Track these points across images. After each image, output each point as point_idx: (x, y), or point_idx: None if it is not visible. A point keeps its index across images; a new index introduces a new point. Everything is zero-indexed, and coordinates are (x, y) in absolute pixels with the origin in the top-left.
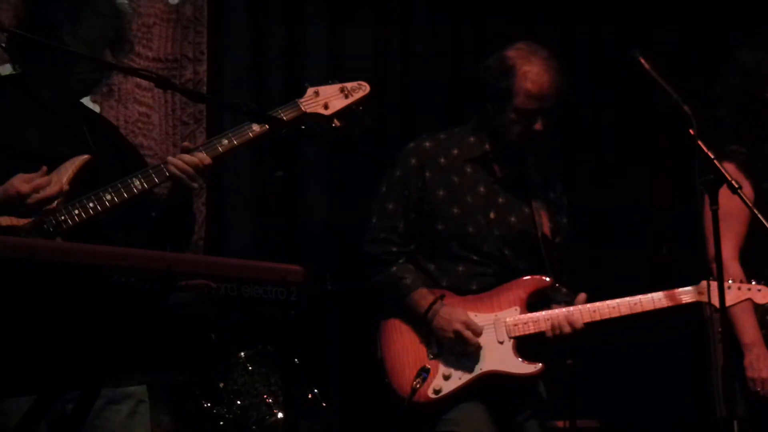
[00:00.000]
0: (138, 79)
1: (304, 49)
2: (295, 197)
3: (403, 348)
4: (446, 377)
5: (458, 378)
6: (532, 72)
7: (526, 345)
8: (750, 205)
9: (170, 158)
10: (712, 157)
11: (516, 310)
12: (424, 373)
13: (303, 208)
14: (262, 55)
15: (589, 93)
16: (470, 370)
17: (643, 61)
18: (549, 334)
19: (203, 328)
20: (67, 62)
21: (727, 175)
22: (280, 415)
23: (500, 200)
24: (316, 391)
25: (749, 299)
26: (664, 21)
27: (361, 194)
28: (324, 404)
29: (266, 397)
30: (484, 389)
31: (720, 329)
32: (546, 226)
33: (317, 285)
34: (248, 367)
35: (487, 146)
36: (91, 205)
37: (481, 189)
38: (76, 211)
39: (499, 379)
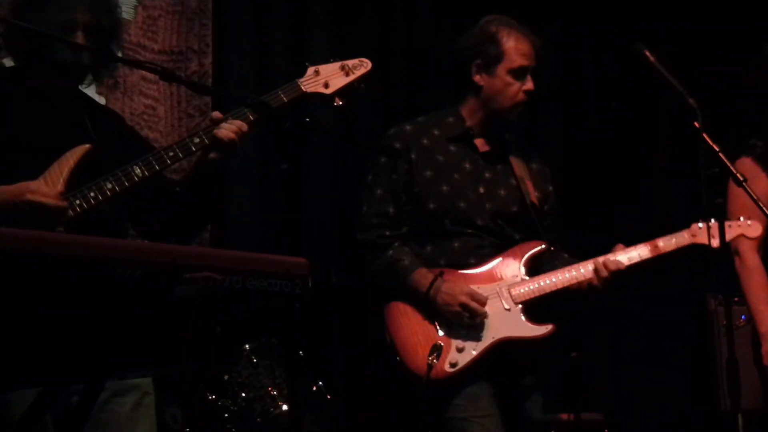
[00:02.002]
0: (143, 72)
1: (308, 42)
2: (299, 190)
3: (412, 329)
4: (460, 350)
5: (472, 350)
6: (515, 34)
7: (532, 309)
8: (755, 197)
9: (222, 124)
10: (717, 149)
11: (516, 276)
12: (437, 350)
13: (307, 201)
14: (266, 47)
15: (593, 86)
16: (483, 340)
17: (648, 54)
18: (585, 282)
19: (208, 321)
20: (54, 47)
21: (731, 168)
22: (284, 407)
23: (487, 175)
24: (320, 383)
25: (742, 235)
26: (669, 15)
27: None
28: (328, 397)
29: (271, 390)
30: (492, 365)
31: (725, 322)
32: (533, 195)
33: (321, 278)
34: (253, 359)
35: (468, 123)
36: (92, 194)
37: (467, 165)
38: (78, 201)
39: (512, 346)
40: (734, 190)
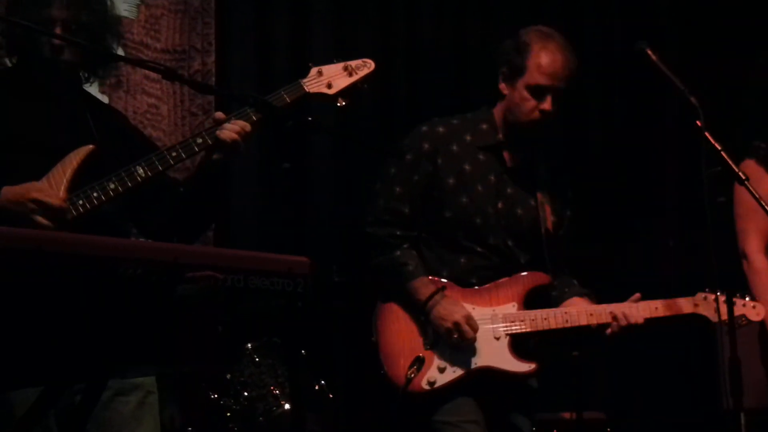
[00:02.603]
0: (146, 71)
1: (310, 41)
2: (301, 189)
3: (399, 334)
4: (441, 369)
5: (453, 372)
6: (546, 49)
7: (521, 343)
8: (757, 196)
9: (225, 125)
10: (719, 148)
11: (513, 306)
12: (418, 363)
13: (310, 199)
14: (269, 45)
15: (597, 86)
16: (465, 364)
17: (650, 52)
18: (594, 326)
19: (210, 320)
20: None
21: (733, 167)
22: (286, 406)
23: (509, 191)
24: (322, 382)
25: (744, 315)
26: (672, 13)
27: (367, 187)
28: (330, 396)
29: (273, 389)
30: (476, 384)
31: (726, 320)
32: (549, 221)
33: (323, 276)
34: (255, 358)
35: (500, 135)
36: (95, 194)
37: (492, 178)
38: (81, 202)
39: (493, 375)
40: (739, 192)
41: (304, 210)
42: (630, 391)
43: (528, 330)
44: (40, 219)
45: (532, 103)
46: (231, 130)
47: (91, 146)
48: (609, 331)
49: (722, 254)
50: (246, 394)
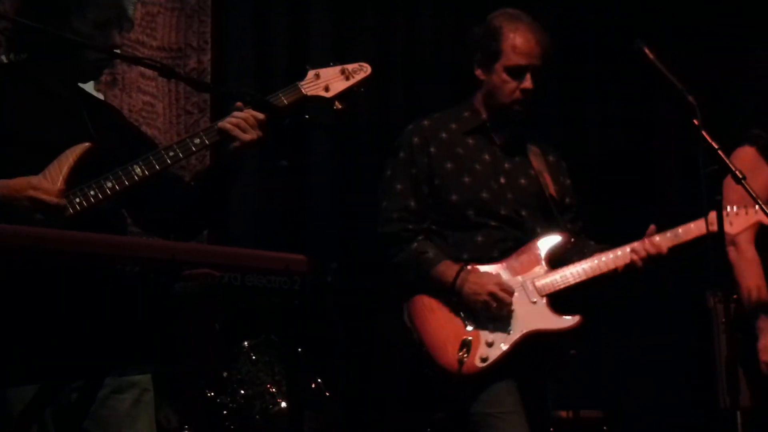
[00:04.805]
0: (142, 69)
1: (308, 38)
2: (298, 187)
3: (438, 324)
4: (489, 344)
5: (502, 344)
6: (519, 30)
7: (556, 301)
8: (753, 194)
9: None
10: (717, 147)
11: (541, 268)
12: (466, 345)
13: (307, 198)
14: (266, 44)
15: (594, 84)
16: (512, 333)
17: (647, 51)
18: (621, 267)
19: (207, 318)
20: (75, 48)
21: (730, 165)
22: (283, 404)
23: (506, 165)
24: (319, 380)
25: (758, 222)
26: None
27: (364, 184)
28: (327, 394)
29: (270, 387)
30: (517, 361)
31: (723, 319)
32: (552, 188)
33: (320, 275)
34: (252, 356)
35: (483, 116)
36: (92, 193)
37: (486, 157)
38: (78, 200)
39: (540, 338)
40: (730, 185)
41: (302, 208)
42: (627, 390)
43: (561, 287)
44: (35, 215)
45: (512, 84)
46: (227, 121)
47: (87, 144)
48: (637, 264)
49: (720, 253)
50: (243, 392)
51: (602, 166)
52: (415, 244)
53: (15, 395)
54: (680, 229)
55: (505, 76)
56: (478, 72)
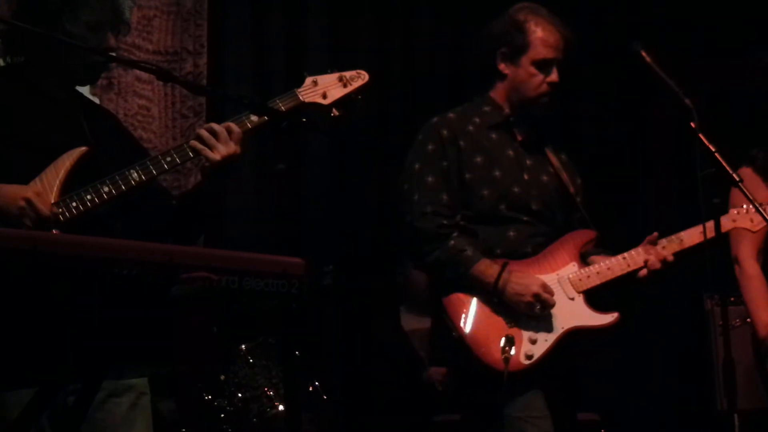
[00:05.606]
0: (137, 72)
1: (305, 42)
2: (296, 190)
3: (479, 321)
4: (533, 341)
5: (545, 340)
6: (543, 23)
7: (594, 298)
8: (751, 198)
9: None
10: (713, 150)
11: (574, 265)
12: (510, 343)
13: (304, 200)
14: (262, 47)
15: (591, 86)
16: (554, 330)
17: (644, 54)
18: (645, 270)
19: (204, 321)
20: (69, 50)
21: (727, 168)
22: (281, 407)
23: (528, 162)
24: (317, 383)
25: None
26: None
27: (361, 187)
28: (325, 397)
29: (267, 390)
30: (545, 373)
31: (721, 322)
32: (570, 186)
33: (317, 278)
34: (249, 359)
35: (506, 111)
36: (89, 197)
37: (510, 152)
38: (74, 204)
39: (579, 336)
40: (734, 196)
41: (299, 211)
42: (624, 392)
43: (597, 283)
44: (26, 222)
45: (539, 77)
46: (194, 141)
47: (84, 148)
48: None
49: (717, 255)
50: (240, 395)
51: (598, 166)
52: (452, 242)
53: (12, 399)
54: (683, 235)
55: (532, 69)
56: (502, 66)
